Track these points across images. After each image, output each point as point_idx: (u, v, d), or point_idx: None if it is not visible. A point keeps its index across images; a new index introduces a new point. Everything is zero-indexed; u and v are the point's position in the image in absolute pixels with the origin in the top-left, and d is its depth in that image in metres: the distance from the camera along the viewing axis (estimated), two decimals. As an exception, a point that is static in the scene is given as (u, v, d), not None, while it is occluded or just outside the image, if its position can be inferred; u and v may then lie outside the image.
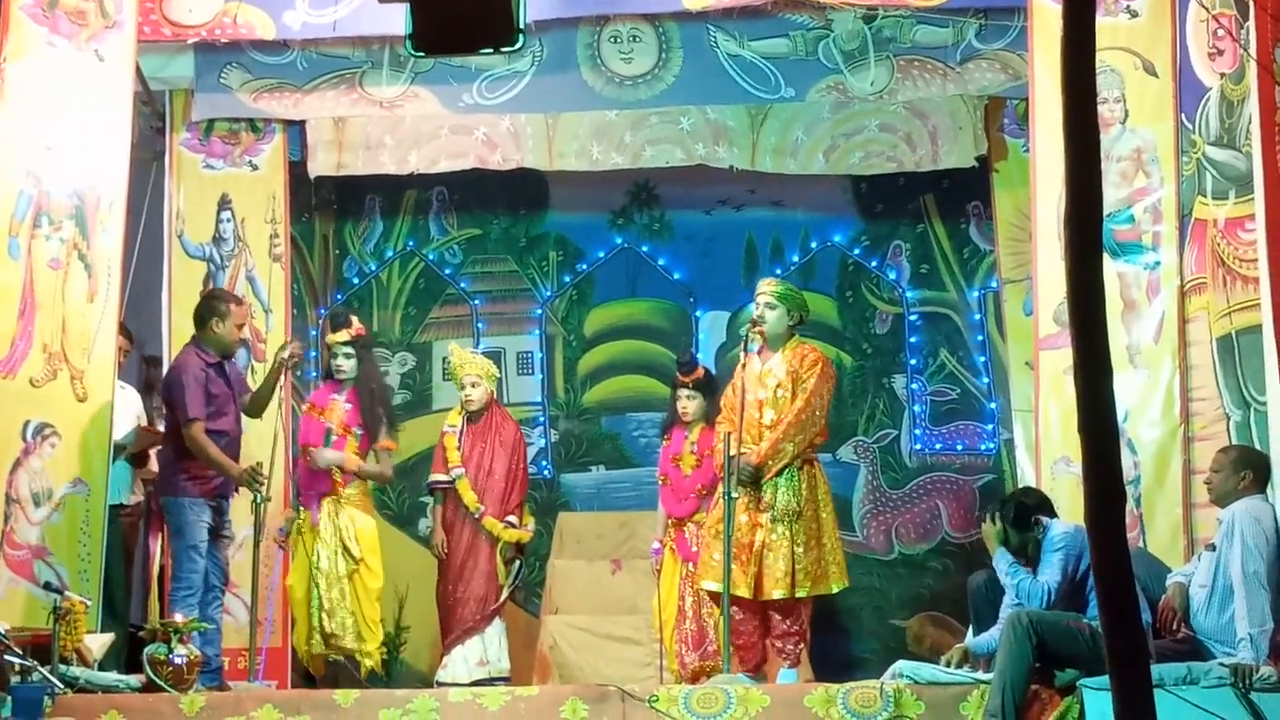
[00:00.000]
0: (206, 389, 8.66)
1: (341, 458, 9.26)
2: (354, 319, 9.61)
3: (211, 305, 8.93)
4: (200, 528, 8.63)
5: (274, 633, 9.35)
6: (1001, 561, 7.54)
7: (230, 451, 8.74)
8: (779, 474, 8.28)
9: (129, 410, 9.26)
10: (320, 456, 9.23)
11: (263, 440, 8.97)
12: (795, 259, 11.08)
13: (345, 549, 9.22)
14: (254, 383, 9.67)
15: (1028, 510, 7.58)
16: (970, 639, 7.85)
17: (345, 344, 9.37)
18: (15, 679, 7.20)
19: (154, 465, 9.31)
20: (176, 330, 10.01)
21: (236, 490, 8.88)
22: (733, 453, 8.13)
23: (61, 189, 8.58)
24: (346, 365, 9.38)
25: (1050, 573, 7.37)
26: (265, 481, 8.60)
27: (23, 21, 8.56)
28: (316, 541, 9.20)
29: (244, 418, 8.98)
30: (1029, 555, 7.51)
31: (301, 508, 9.25)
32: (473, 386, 9.53)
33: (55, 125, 8.58)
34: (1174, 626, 7.25)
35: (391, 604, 10.31)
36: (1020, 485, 9.46)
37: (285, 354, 8.97)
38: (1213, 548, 7.20)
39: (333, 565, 9.20)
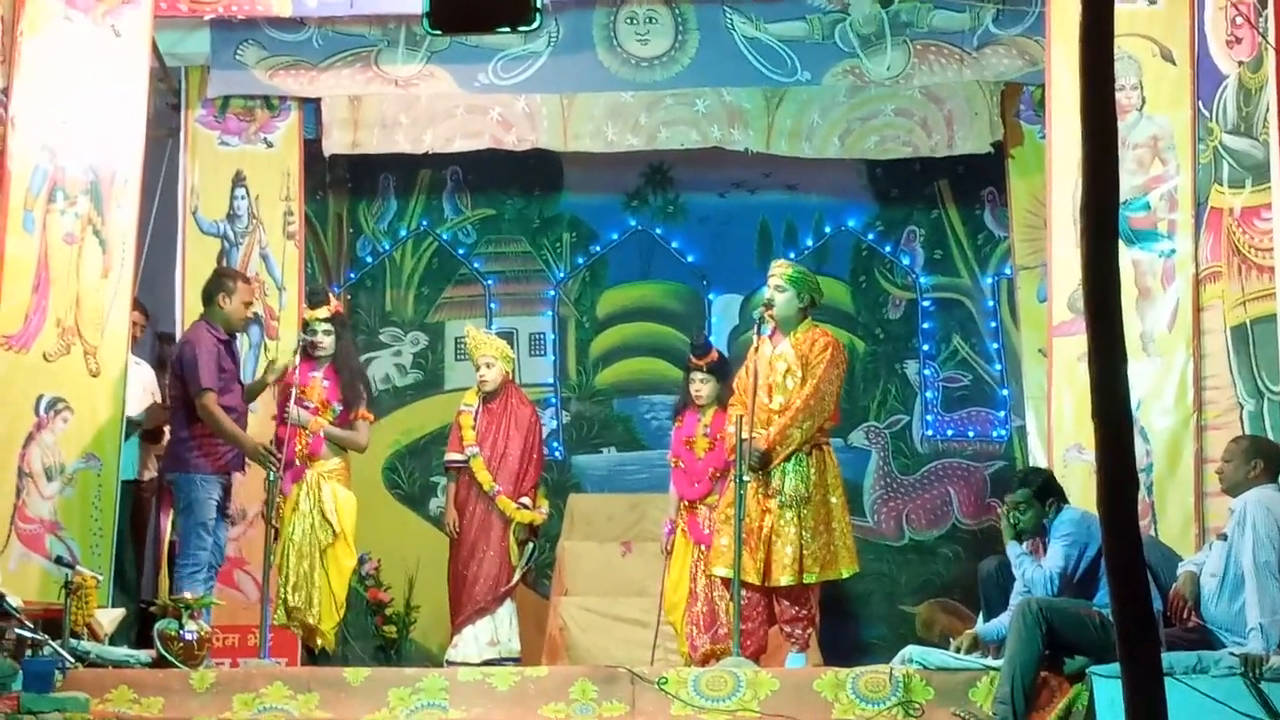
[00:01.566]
0: (219, 363, 8.70)
1: (308, 417, 9.15)
2: (332, 296, 9.60)
3: (219, 282, 8.96)
4: (210, 504, 8.66)
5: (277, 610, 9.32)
6: (1013, 549, 7.56)
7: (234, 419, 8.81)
8: (787, 459, 8.28)
9: (143, 386, 9.28)
10: (290, 411, 9.11)
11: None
12: (809, 243, 11.07)
13: (325, 521, 9.14)
14: (265, 358, 9.72)
15: (1051, 489, 7.60)
16: (980, 625, 7.85)
17: (324, 320, 9.32)
18: (27, 652, 7.23)
19: (166, 441, 9.31)
20: (190, 307, 10.02)
21: (244, 468, 8.90)
22: (744, 436, 8.13)
23: (77, 164, 8.58)
24: (325, 342, 9.30)
25: (1054, 559, 7.38)
26: (280, 459, 8.61)
27: (40, -5, 8.56)
28: (293, 514, 9.12)
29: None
30: (1040, 535, 7.53)
31: (283, 480, 9.07)
32: (488, 367, 9.52)
33: (71, 100, 8.59)
34: (1184, 615, 7.24)
35: (402, 584, 10.32)
36: (1035, 469, 9.44)
37: (273, 377, 9.11)
38: (1224, 537, 7.19)
39: (306, 538, 9.11)
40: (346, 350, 9.53)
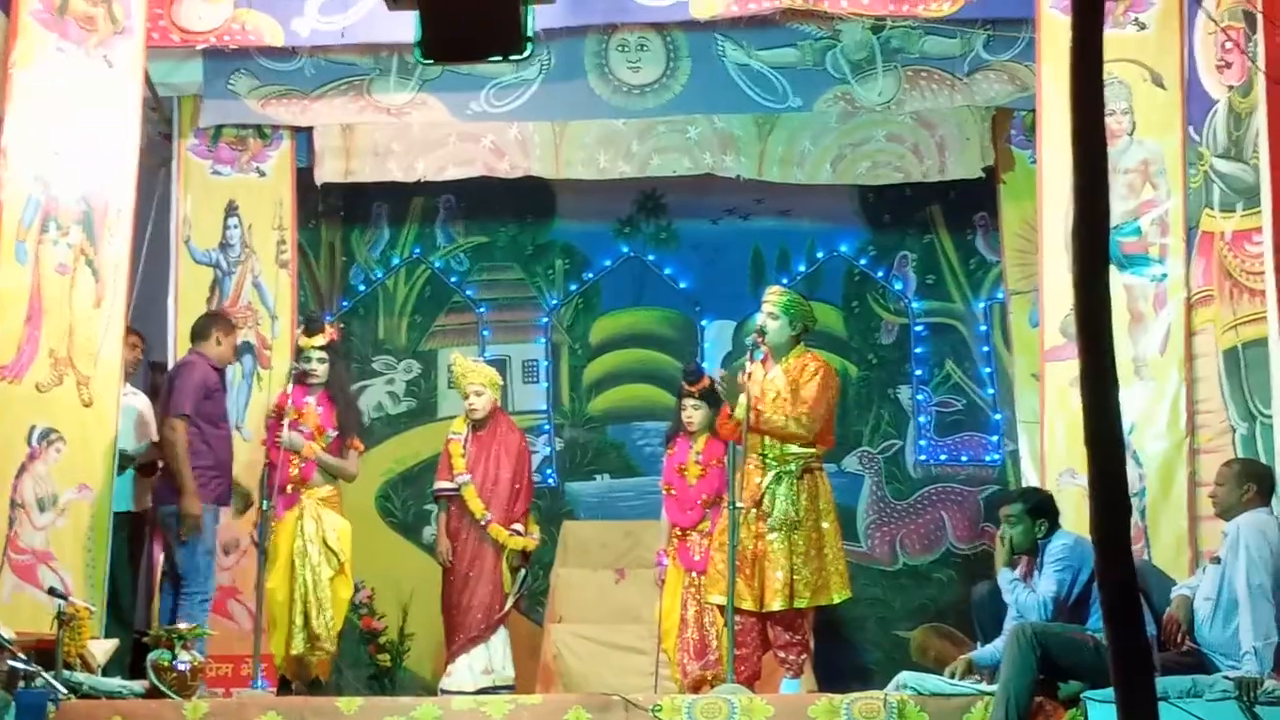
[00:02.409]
0: (206, 391, 8.77)
1: (301, 441, 9.16)
2: (328, 324, 9.61)
3: (217, 321, 9.08)
4: (212, 533, 8.69)
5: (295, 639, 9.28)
6: (1003, 577, 7.56)
7: (224, 451, 8.98)
8: (777, 482, 8.24)
9: (139, 417, 9.26)
10: (284, 435, 9.11)
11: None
12: (801, 269, 11.08)
13: (329, 550, 9.14)
14: (259, 387, 9.73)
15: (1044, 509, 7.59)
16: (975, 650, 7.84)
17: (320, 349, 9.33)
18: (20, 684, 7.20)
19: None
20: (183, 336, 10.02)
21: (229, 502, 8.98)
22: (737, 464, 8.13)
23: (69, 194, 8.58)
24: (320, 369, 9.32)
25: (1047, 584, 7.36)
26: (247, 494, 8.71)
27: (32, 27, 8.56)
28: (298, 540, 9.11)
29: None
30: (1031, 554, 7.52)
31: (271, 508, 9.06)
32: (476, 395, 9.52)
33: (63, 131, 8.58)
34: (1178, 639, 7.24)
35: (396, 612, 10.31)
36: (1032, 488, 9.44)
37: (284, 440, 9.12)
38: (1218, 560, 7.19)
39: (316, 566, 9.11)
40: (340, 378, 9.54)
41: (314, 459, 9.19)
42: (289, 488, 9.08)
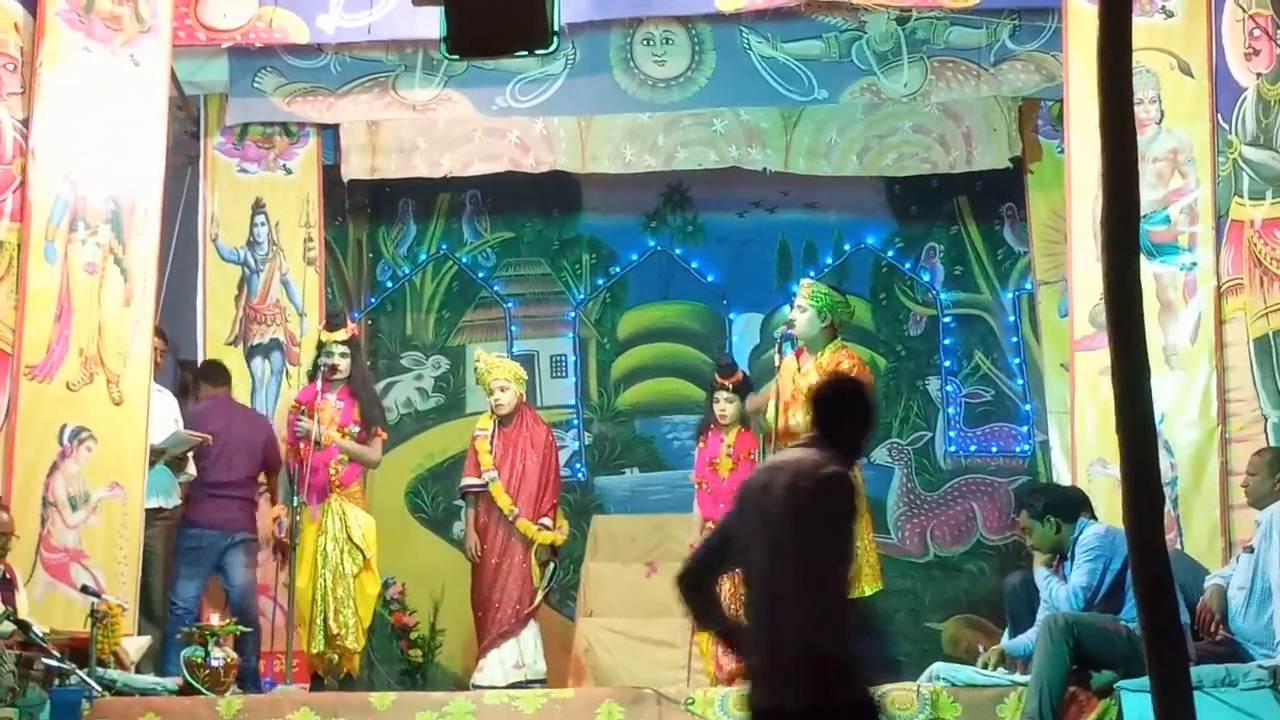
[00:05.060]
0: None
1: (321, 429, 9.15)
2: (350, 320, 9.63)
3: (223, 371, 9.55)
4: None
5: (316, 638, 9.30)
6: (1039, 572, 7.54)
7: None
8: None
9: (165, 413, 9.29)
10: (302, 423, 9.11)
11: None
12: (829, 261, 11.06)
13: (354, 546, 9.14)
14: (287, 384, 9.77)
15: (1073, 505, 7.56)
16: (1006, 641, 7.83)
17: (342, 343, 9.33)
18: (55, 681, 7.24)
19: (192, 469, 9.33)
20: (211, 334, 10.07)
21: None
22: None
23: (97, 194, 8.62)
24: (342, 365, 9.28)
25: (1079, 576, 7.35)
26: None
27: (58, 27, 8.61)
28: (320, 537, 9.12)
29: None
30: (1065, 552, 7.50)
31: (302, 504, 9.08)
32: (501, 391, 9.51)
33: (91, 130, 8.63)
34: (1212, 629, 7.22)
35: (427, 607, 10.32)
36: (1055, 485, 9.42)
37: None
38: (1251, 550, 7.17)
39: (339, 562, 9.12)
40: (363, 373, 9.54)
41: (335, 445, 9.17)
42: (332, 491, 9.12)
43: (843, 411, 5.23)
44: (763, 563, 5.10)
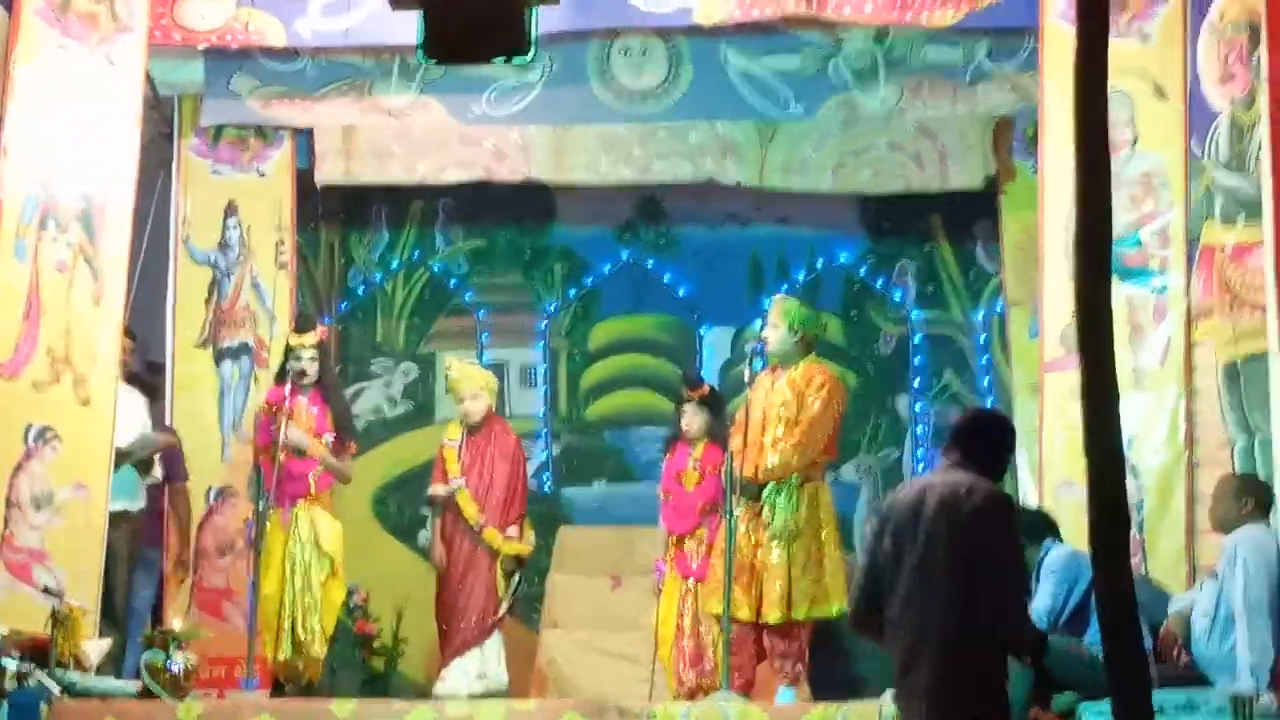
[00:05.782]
0: None
1: (309, 441, 9.13)
2: (319, 323, 9.60)
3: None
4: None
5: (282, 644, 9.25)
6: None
7: None
8: (779, 493, 8.26)
9: (134, 415, 9.24)
10: (290, 433, 9.07)
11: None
12: (801, 277, 11.06)
13: (322, 553, 9.11)
14: (256, 388, 9.74)
15: (1040, 527, 7.56)
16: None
17: (311, 346, 9.30)
18: (12, 684, 7.19)
19: (158, 471, 9.30)
20: (180, 336, 10.03)
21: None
22: (736, 470, 8.12)
23: (69, 192, 8.57)
24: (311, 369, 9.26)
25: (1043, 597, 7.34)
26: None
27: (34, 24, 8.56)
28: (290, 543, 9.07)
29: None
30: (1031, 574, 7.50)
31: (270, 508, 9.04)
32: (473, 399, 9.49)
33: (64, 128, 8.58)
34: (1175, 654, 7.23)
35: (390, 616, 10.29)
36: (1021, 507, 9.42)
37: None
38: (1215, 575, 7.18)
39: (307, 569, 9.08)
40: (332, 377, 9.51)
41: (318, 458, 9.15)
42: (307, 495, 9.08)
43: (987, 437, 5.80)
44: (937, 574, 5.52)
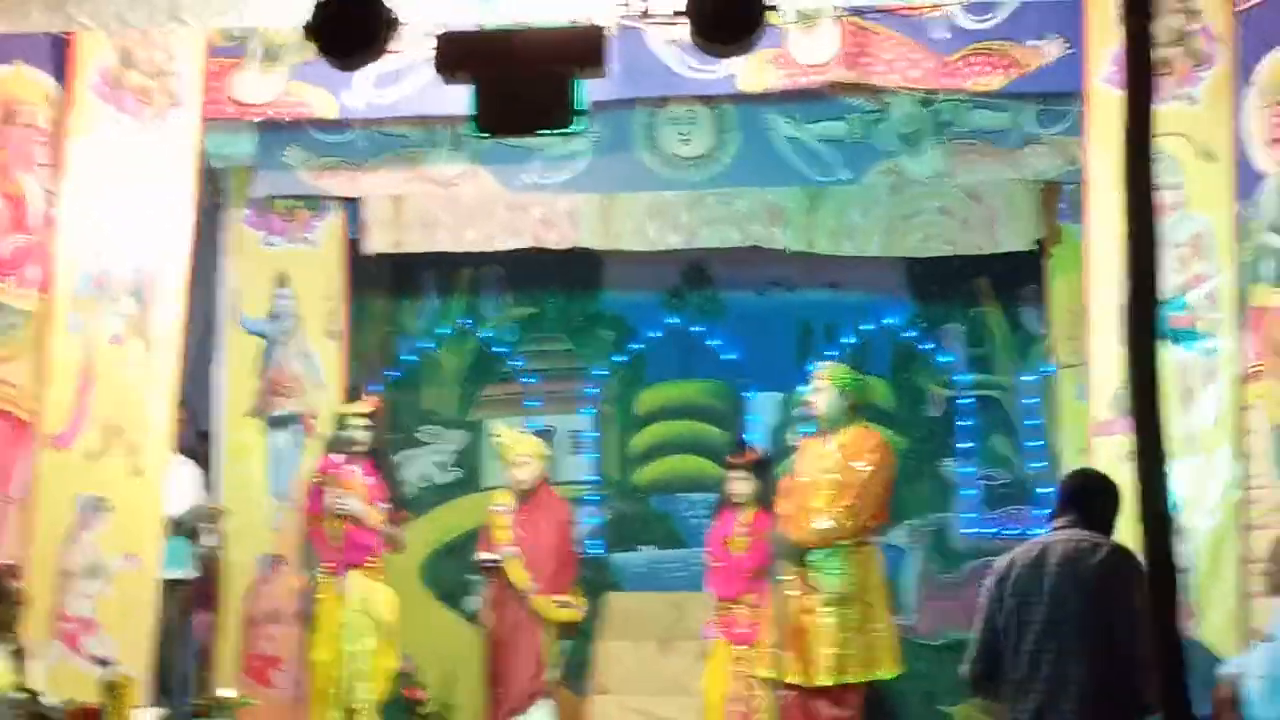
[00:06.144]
0: None
1: (365, 510, 9.19)
2: (367, 393, 9.67)
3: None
4: None
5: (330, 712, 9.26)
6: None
7: None
8: (828, 556, 8.25)
9: (187, 484, 9.31)
10: (347, 501, 9.13)
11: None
12: (849, 341, 11.06)
13: (373, 620, 9.14)
14: (306, 457, 9.78)
15: None
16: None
17: (363, 415, 9.36)
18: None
19: (208, 540, 9.34)
20: (231, 405, 10.08)
21: None
22: (783, 535, 8.13)
23: (122, 265, 8.66)
24: (362, 438, 9.34)
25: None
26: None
27: (88, 98, 8.67)
28: (343, 611, 9.10)
29: None
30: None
31: (324, 577, 9.07)
32: (522, 466, 9.53)
33: (118, 201, 8.67)
34: (1230, 718, 7.16)
35: (439, 682, 10.29)
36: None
37: None
38: (1270, 638, 7.12)
39: (359, 637, 9.10)
40: (384, 447, 9.57)
41: (377, 529, 9.23)
42: (363, 564, 9.13)
43: (1101, 497, 6.01)
44: (1068, 632, 5.67)
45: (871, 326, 11.08)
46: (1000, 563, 6.17)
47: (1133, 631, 5.58)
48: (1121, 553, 5.74)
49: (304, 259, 10.29)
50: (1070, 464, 9.88)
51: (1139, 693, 5.55)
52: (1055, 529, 5.91)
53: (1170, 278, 8.01)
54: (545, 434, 10.65)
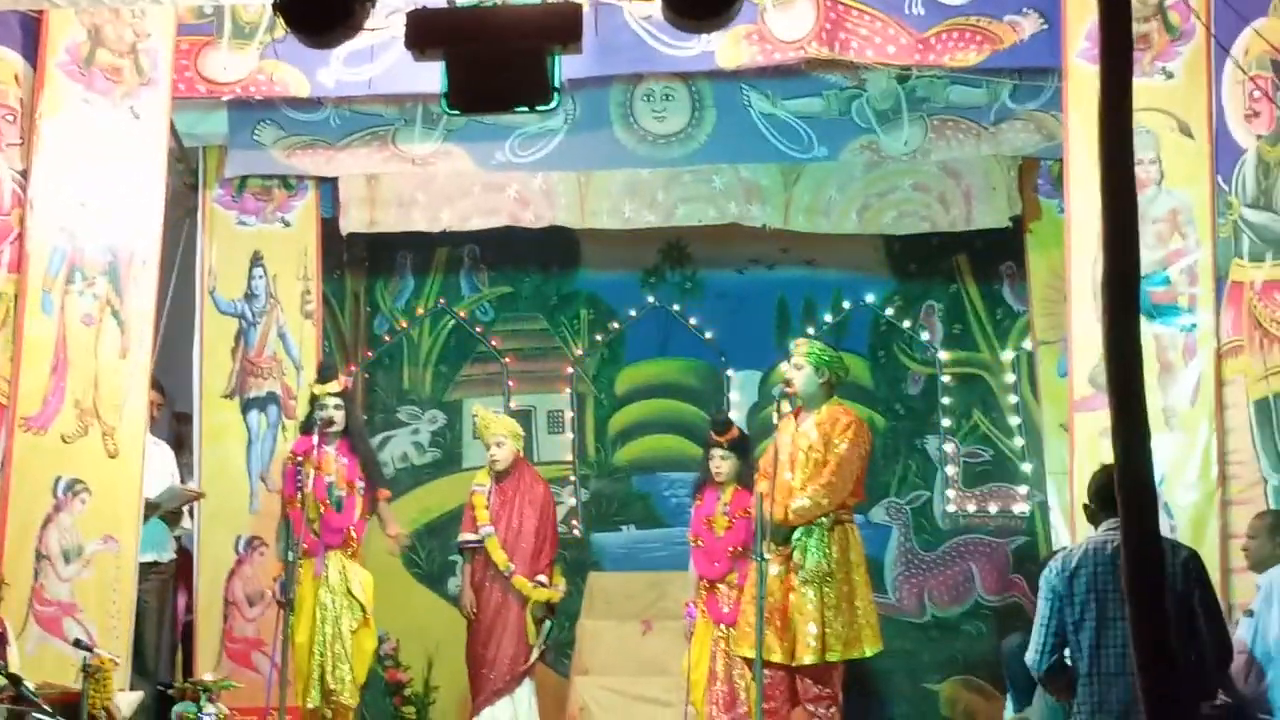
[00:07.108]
0: None
1: (342, 492, 9.19)
2: (340, 373, 9.63)
3: None
4: None
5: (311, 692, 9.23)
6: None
7: None
8: (809, 535, 8.24)
9: (162, 467, 9.27)
10: (335, 491, 9.14)
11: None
12: (827, 319, 11.03)
13: (355, 601, 9.12)
14: (284, 438, 9.73)
15: None
16: (1011, 713, 7.78)
17: (335, 395, 9.32)
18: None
19: (186, 523, 9.30)
20: (207, 387, 10.03)
21: None
22: (765, 513, 8.09)
23: (95, 245, 8.61)
24: (337, 417, 9.30)
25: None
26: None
27: (58, 78, 8.62)
28: (321, 592, 9.07)
29: None
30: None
31: (302, 560, 9.04)
32: (498, 446, 9.51)
33: (89, 181, 8.62)
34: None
35: (421, 664, 10.26)
36: (1055, 548, 9.38)
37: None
38: (1251, 614, 7.12)
39: (338, 618, 9.07)
40: (358, 426, 9.53)
41: (386, 520, 9.30)
42: (341, 546, 9.10)
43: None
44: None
45: (850, 304, 11.05)
46: (1061, 559, 6.36)
47: (1218, 627, 6.17)
48: (1193, 552, 6.32)
49: (279, 239, 10.24)
50: (1052, 441, 9.91)
51: (1208, 677, 6.16)
52: (1111, 528, 6.16)
53: (1148, 254, 7.98)
54: (524, 414, 10.62)
